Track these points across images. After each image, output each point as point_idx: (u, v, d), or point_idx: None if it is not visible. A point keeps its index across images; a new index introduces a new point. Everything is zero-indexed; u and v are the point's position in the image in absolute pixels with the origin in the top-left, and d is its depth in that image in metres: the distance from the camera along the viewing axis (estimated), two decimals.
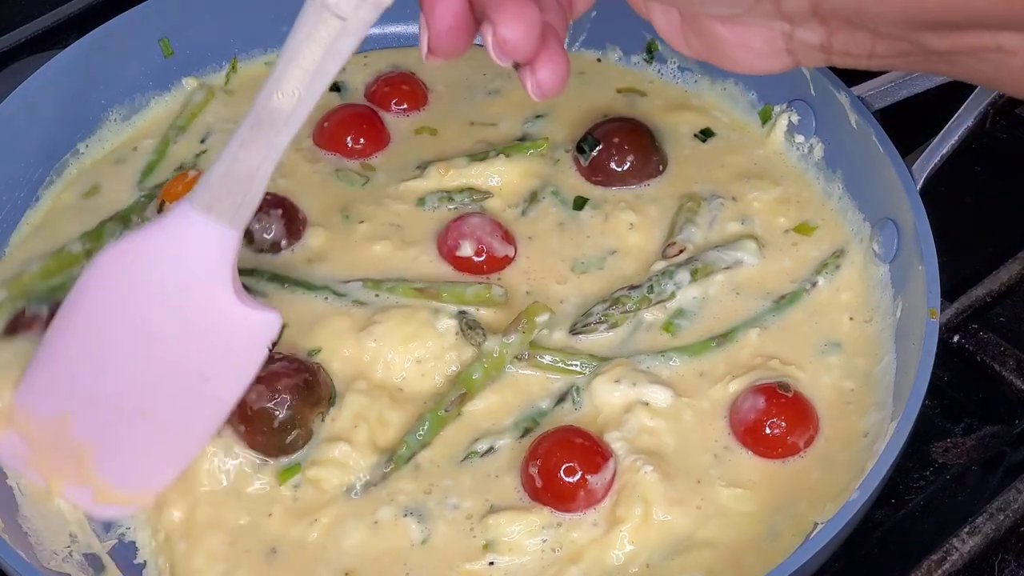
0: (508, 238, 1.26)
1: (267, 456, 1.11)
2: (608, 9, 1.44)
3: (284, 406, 1.10)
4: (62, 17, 1.59)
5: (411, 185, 1.32)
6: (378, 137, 1.37)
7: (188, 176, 1.32)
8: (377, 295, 1.22)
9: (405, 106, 1.41)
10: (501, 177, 1.32)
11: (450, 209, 1.29)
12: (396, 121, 1.40)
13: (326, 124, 1.37)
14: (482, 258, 1.24)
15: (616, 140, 1.32)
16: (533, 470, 1.08)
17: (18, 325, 1.17)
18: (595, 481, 1.07)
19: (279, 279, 1.23)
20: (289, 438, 1.11)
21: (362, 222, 1.29)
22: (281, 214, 1.25)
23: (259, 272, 1.24)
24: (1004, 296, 1.28)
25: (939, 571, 1.07)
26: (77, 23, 1.56)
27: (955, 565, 1.08)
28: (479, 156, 1.33)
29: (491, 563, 1.06)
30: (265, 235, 1.25)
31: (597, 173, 1.32)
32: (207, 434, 1.09)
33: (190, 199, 1.00)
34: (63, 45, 1.34)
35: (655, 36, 1.42)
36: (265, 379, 1.09)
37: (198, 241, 1.00)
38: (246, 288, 1.09)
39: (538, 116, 1.39)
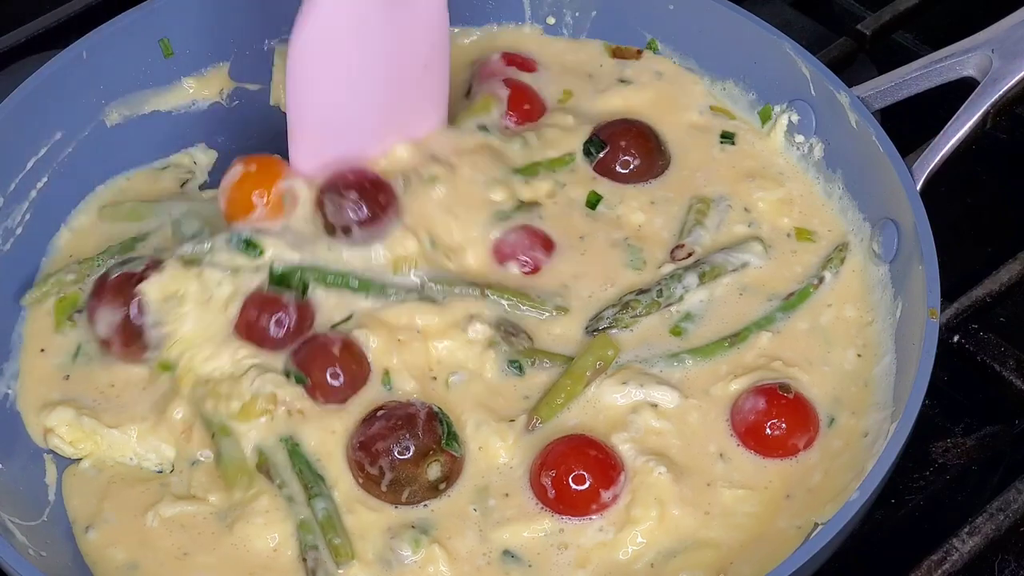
0: (548, 244, 1.26)
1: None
2: (608, 9, 1.44)
3: (387, 467, 1.07)
4: (62, 17, 1.58)
5: None
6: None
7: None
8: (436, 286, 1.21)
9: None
10: None
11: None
12: None
13: None
14: (528, 268, 1.25)
15: (623, 143, 1.32)
16: (546, 480, 1.08)
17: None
18: (608, 495, 1.07)
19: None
20: (405, 495, 1.08)
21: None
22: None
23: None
24: (1004, 296, 1.28)
25: (939, 571, 1.07)
26: (77, 23, 1.56)
27: (955, 565, 1.08)
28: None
29: (505, 570, 1.06)
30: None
31: (604, 174, 1.32)
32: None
33: None
34: (63, 45, 1.34)
35: (655, 35, 1.42)
36: (364, 444, 1.09)
37: None
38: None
39: None
